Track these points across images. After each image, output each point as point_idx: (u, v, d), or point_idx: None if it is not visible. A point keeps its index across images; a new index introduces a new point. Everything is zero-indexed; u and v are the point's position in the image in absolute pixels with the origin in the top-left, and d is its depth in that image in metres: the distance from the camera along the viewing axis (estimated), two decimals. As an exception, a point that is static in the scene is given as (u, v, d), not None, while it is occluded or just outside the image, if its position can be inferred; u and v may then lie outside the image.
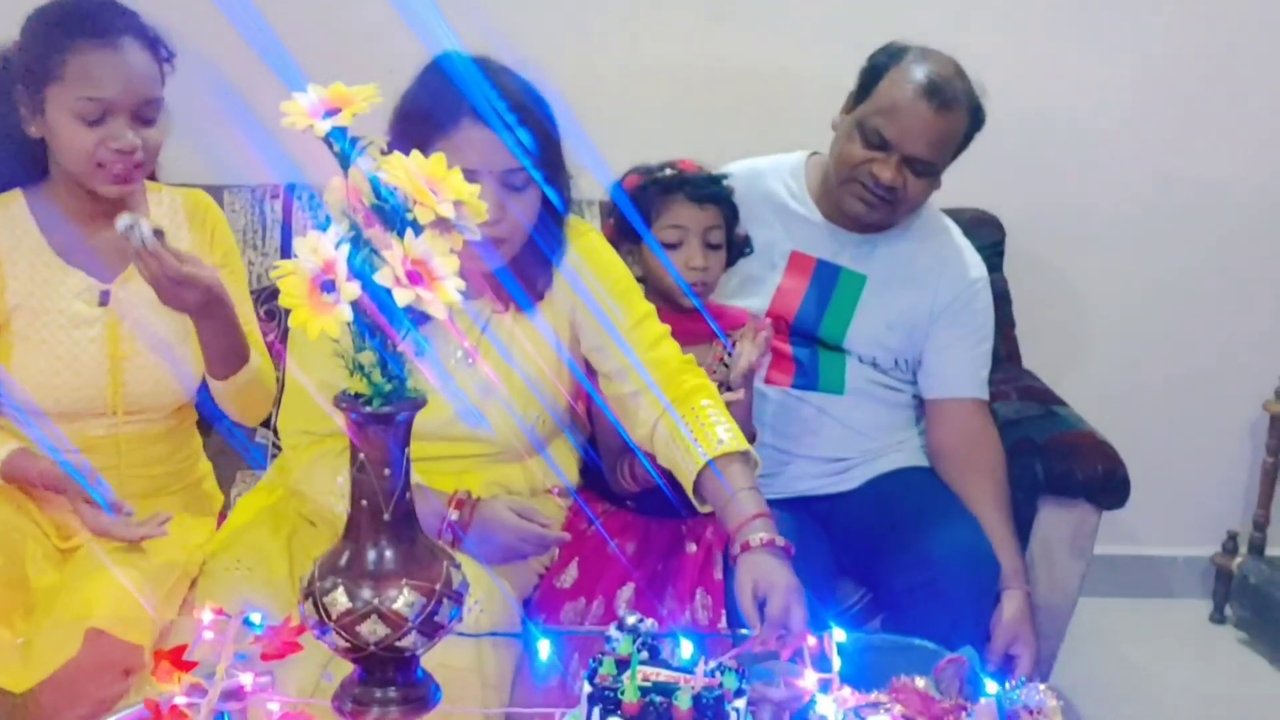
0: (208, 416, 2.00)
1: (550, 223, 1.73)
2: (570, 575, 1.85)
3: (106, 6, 1.74)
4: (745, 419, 1.92)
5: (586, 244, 1.81)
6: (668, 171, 1.93)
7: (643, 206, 1.91)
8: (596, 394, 1.83)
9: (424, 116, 1.62)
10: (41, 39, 1.69)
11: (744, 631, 1.56)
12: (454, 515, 1.70)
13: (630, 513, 1.92)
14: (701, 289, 1.93)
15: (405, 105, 1.65)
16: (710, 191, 1.93)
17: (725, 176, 1.98)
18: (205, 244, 1.90)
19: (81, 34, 1.68)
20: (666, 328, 1.82)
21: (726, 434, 1.70)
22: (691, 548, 1.90)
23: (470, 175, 1.54)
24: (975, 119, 2.01)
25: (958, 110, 1.97)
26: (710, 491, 1.67)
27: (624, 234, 1.94)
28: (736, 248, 1.99)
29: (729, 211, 1.96)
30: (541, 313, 1.79)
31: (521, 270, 1.74)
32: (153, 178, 1.89)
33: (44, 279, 1.79)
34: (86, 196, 1.77)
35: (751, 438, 1.94)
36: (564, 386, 1.83)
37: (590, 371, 1.84)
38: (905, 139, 1.96)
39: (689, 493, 1.70)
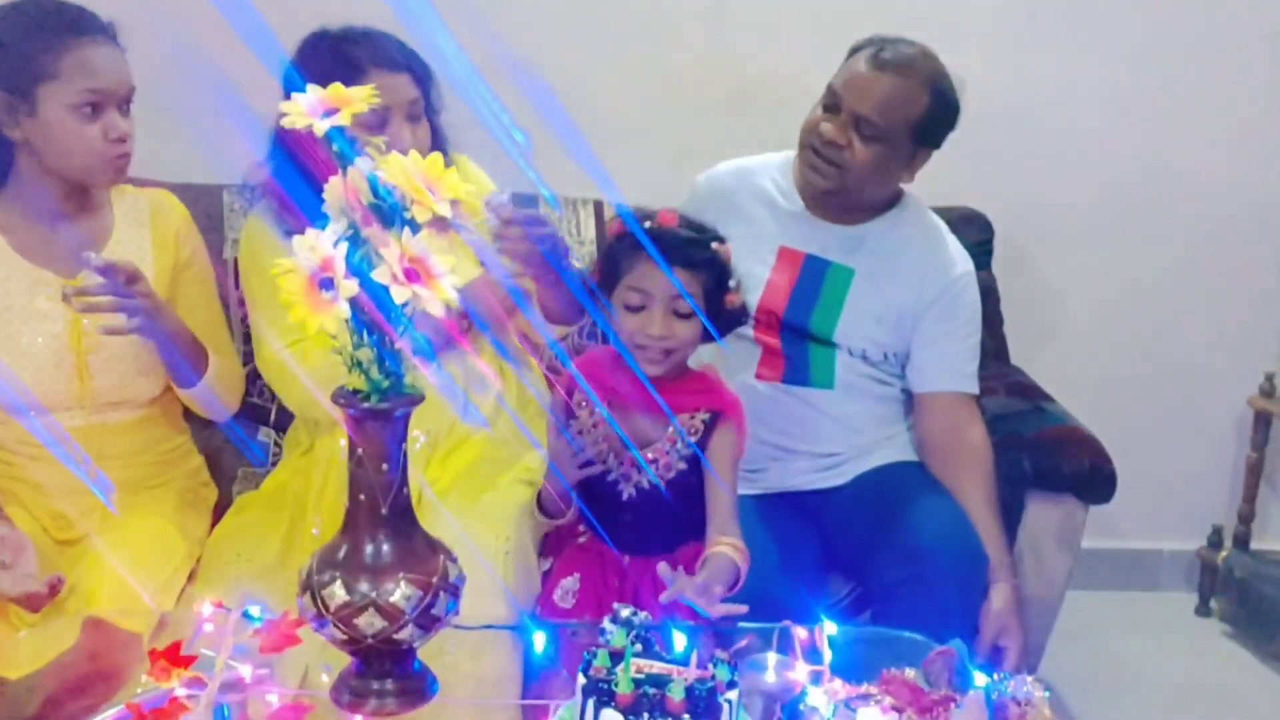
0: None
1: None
2: (570, 593, 1.80)
3: (71, 5, 1.76)
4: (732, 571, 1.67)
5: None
6: (646, 224, 1.68)
7: (616, 258, 1.71)
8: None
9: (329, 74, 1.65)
10: (23, 41, 1.70)
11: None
12: None
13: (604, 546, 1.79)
14: (661, 356, 1.70)
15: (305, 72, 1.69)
16: (684, 256, 1.67)
17: (718, 239, 1.73)
18: (167, 243, 1.91)
19: (70, 31, 1.71)
20: None
21: None
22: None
23: (385, 113, 1.74)
24: (938, 100, 2.00)
25: (909, 75, 1.98)
26: None
27: (604, 281, 1.75)
28: (731, 315, 1.75)
29: (708, 276, 1.70)
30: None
31: None
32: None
33: (5, 276, 1.79)
34: (50, 196, 1.79)
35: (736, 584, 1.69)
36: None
37: None
38: (851, 93, 1.98)
39: None
